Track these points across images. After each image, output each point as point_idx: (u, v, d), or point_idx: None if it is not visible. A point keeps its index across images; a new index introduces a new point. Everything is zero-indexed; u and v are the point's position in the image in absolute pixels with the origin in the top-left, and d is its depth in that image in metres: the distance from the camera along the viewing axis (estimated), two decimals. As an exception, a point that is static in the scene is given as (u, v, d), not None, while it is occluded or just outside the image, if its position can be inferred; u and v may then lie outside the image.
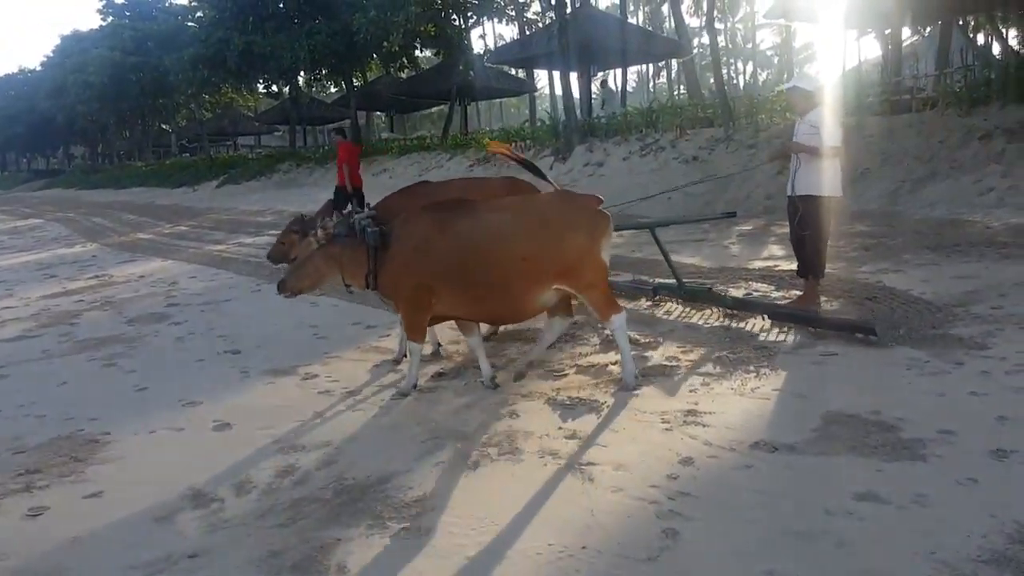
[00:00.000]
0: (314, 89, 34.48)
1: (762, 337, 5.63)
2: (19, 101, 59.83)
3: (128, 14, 45.46)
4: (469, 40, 27.07)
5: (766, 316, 5.92)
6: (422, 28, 23.66)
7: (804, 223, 6.00)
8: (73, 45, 48.93)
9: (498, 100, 40.26)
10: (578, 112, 19.42)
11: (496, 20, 23.93)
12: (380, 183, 22.51)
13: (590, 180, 16.98)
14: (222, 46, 26.23)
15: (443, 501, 3.55)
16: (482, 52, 30.53)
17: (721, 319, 6.24)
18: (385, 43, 23.26)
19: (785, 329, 5.76)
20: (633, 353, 5.07)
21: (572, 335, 6.12)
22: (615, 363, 5.24)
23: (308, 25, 25.18)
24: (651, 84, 57.18)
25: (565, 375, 5.22)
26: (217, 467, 4.21)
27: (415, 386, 5.11)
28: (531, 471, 3.79)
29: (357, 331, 6.97)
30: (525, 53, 22.11)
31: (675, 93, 39.02)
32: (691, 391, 4.66)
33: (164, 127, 52.23)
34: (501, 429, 4.35)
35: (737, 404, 4.40)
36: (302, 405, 5.13)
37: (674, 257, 8.67)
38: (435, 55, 28.85)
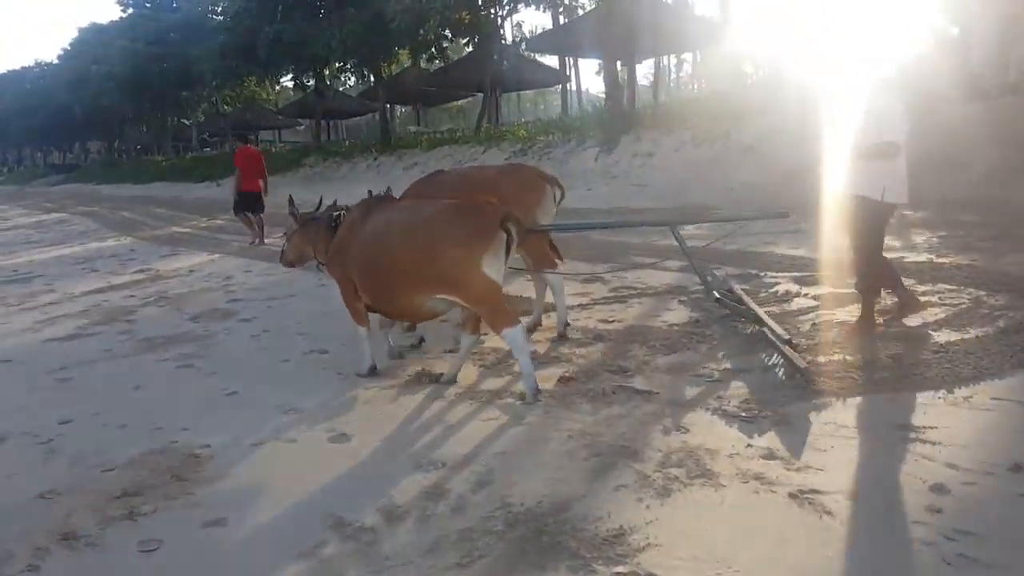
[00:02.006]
0: (340, 79, 33.82)
1: (941, 337, 4.98)
2: (36, 95, 59.42)
3: (148, 5, 44.90)
4: (503, 28, 26.36)
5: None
6: (457, 16, 22.96)
7: (856, 230, 5.24)
8: (92, 37, 48.36)
9: (515, 93, 39.64)
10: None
11: (532, 6, 23.07)
12: (411, 176, 21.93)
13: (640, 172, 16.34)
14: (251, 35, 25.62)
15: (651, 537, 2.94)
16: (516, 40, 29.83)
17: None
18: (420, 32, 22.56)
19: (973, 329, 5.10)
20: (809, 358, 4.44)
21: (703, 334, 5.50)
22: (778, 365, 4.62)
23: (339, 13, 24.53)
24: (670, 77, 56.39)
25: (718, 380, 4.60)
26: (350, 487, 3.64)
27: (374, 368, 5.27)
28: (742, 500, 3.18)
29: (453, 329, 6.36)
30: (565, 41, 21.44)
31: (694, 86, 38.35)
32: (890, 401, 4.02)
33: (184, 121, 51.72)
34: (675, 445, 3.74)
35: (956, 416, 3.78)
36: (421, 412, 4.57)
37: (772, 249, 8.07)
38: (465, 44, 28.14)
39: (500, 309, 4.51)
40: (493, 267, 4.39)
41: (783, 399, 4.18)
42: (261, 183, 13.80)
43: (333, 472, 3.84)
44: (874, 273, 5.22)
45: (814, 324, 5.52)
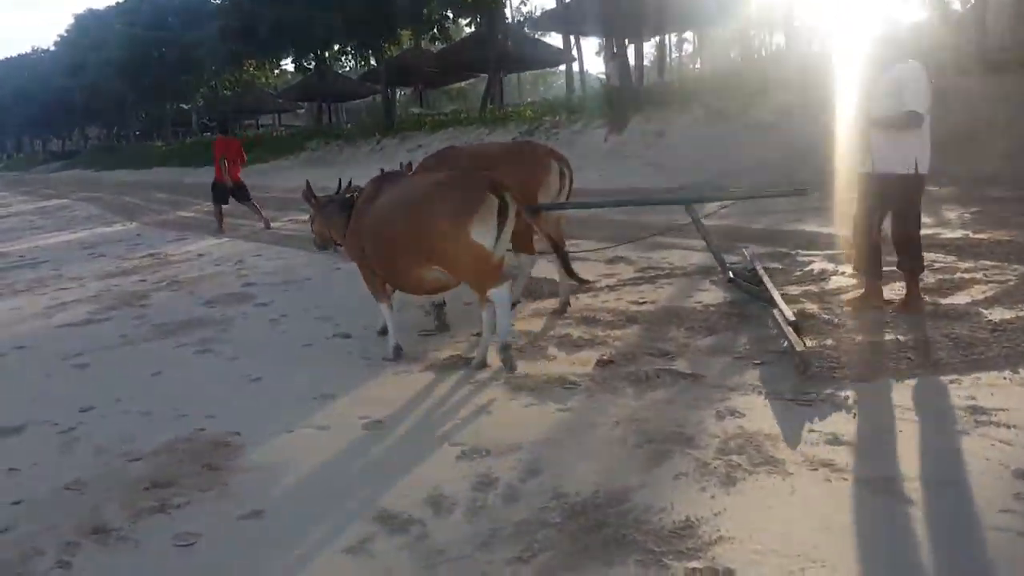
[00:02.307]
0: (341, 61, 33.49)
1: (994, 315, 4.80)
2: (34, 82, 59.02)
3: (146, -11, 44.45)
4: (507, 7, 25.93)
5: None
6: (461, -6, 22.64)
7: (889, 211, 5.01)
8: (90, 22, 48.01)
9: (516, 75, 39.18)
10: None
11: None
12: (416, 159, 21.69)
13: (653, 152, 16.15)
14: (252, 18, 25.29)
15: (722, 529, 2.77)
16: (520, 19, 29.43)
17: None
18: (423, 11, 22.23)
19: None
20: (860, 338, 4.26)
21: (741, 315, 5.32)
22: (820, 344, 4.45)
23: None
24: (671, 57, 55.87)
25: (766, 362, 4.43)
26: (391, 476, 3.47)
27: (395, 350, 5.18)
28: (814, 489, 3.01)
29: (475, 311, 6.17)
30: (570, 19, 21.13)
31: (692, 66, 37.96)
32: (954, 383, 3.84)
33: (183, 106, 51.33)
34: (731, 431, 3.56)
35: (1026, 398, 3.59)
36: (456, 397, 4.39)
37: (801, 227, 7.87)
38: (467, 24, 27.79)
39: (487, 274, 4.48)
40: (483, 235, 4.38)
41: (838, 382, 3.99)
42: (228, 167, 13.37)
43: (371, 460, 3.68)
44: (913, 248, 5.01)
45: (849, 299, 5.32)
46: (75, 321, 7.19)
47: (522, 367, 4.70)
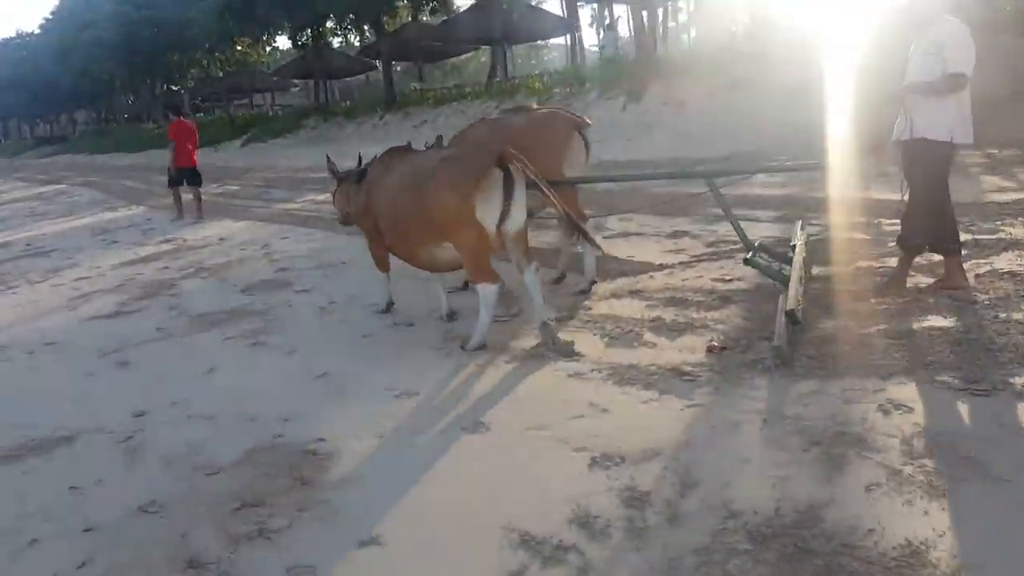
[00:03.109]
0: (339, 35, 32.70)
1: None
2: (20, 66, 57.83)
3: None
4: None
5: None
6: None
7: (918, 177, 4.55)
8: (76, 4, 46.90)
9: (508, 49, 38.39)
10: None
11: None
12: (422, 135, 21.11)
13: (673, 120, 15.58)
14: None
15: (959, 556, 2.32)
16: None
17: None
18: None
19: None
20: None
21: (858, 292, 4.86)
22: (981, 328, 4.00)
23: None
24: (660, 28, 55.07)
25: (912, 344, 3.96)
26: (520, 492, 3.02)
27: (388, 305, 5.61)
28: (1046, 499, 2.55)
29: (561, 295, 5.70)
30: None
31: (686, 36, 37.26)
32: None
33: (174, 88, 50.31)
34: (907, 429, 3.12)
35: None
36: (559, 392, 3.93)
37: (869, 195, 7.38)
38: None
39: (484, 261, 4.45)
40: (486, 212, 4.33)
41: (1005, 367, 3.54)
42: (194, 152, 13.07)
43: (486, 471, 3.22)
44: (940, 225, 4.55)
45: (978, 275, 4.86)
46: (103, 313, 6.71)
47: (623, 356, 4.27)
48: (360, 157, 5.83)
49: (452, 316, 5.33)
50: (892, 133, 4.70)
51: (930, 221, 4.55)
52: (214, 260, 8.68)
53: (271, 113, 37.81)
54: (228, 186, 17.92)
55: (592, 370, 4.12)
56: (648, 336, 4.56)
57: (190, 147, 13.01)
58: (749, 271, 5.51)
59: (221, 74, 43.66)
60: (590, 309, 5.20)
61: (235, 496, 3.22)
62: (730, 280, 5.47)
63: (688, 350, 4.27)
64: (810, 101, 12.67)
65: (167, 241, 10.54)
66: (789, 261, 4.93)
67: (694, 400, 3.61)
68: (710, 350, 4.20)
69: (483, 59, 47.90)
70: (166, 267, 8.59)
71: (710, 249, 6.47)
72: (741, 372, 3.87)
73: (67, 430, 4.13)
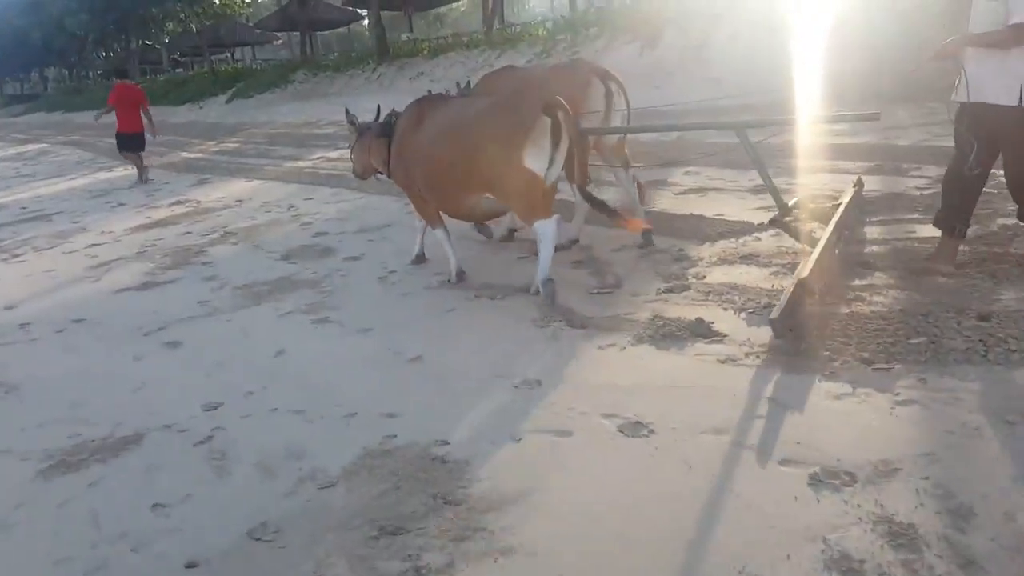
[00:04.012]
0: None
1: None
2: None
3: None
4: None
5: None
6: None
7: (1006, 148, 3.93)
8: (47, -46, 44.96)
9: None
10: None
11: None
12: (419, 88, 20.29)
13: (694, 66, 14.89)
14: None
15: None
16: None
17: None
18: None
19: None
20: None
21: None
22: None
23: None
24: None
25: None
26: (732, 520, 2.46)
27: (458, 275, 5.08)
28: None
29: (661, 262, 5.14)
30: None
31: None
32: None
33: (148, 43, 48.63)
34: None
35: None
36: (716, 382, 3.37)
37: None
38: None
39: (537, 202, 4.33)
40: (536, 159, 4.23)
41: None
42: (145, 121, 12.40)
43: (678, 491, 2.66)
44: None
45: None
46: (133, 284, 6.08)
47: (764, 334, 3.68)
48: (379, 109, 5.60)
49: (421, 259, 5.58)
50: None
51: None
52: (239, 223, 8.02)
53: (254, 67, 36.56)
54: (226, 144, 17.12)
55: (746, 354, 3.56)
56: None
57: (132, 112, 12.19)
58: (877, 232, 4.98)
59: (196, 28, 42.14)
60: (703, 278, 4.63)
61: (365, 518, 2.65)
62: (860, 242, 4.90)
63: (859, 332, 3.70)
64: (852, 44, 12.09)
65: (179, 203, 9.84)
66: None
67: (899, 394, 3.06)
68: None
69: (462, 9, 46.74)
70: (187, 231, 7.93)
71: (811, 206, 5.87)
72: (945, 357, 3.31)
73: (129, 428, 3.55)
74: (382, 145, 5.29)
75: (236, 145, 16.42)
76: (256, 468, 3.08)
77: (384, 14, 39.75)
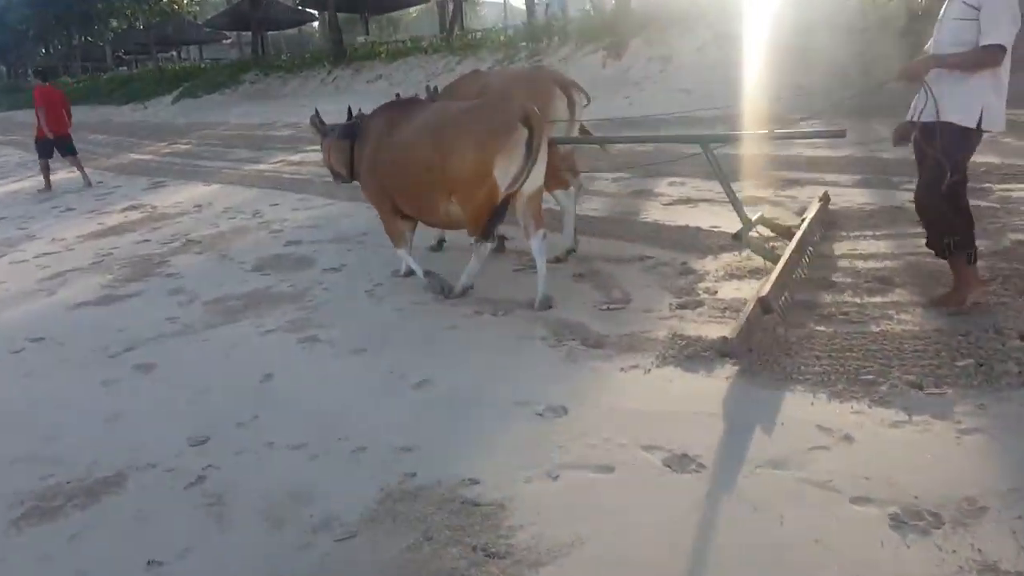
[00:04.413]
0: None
1: None
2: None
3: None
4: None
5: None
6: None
7: (939, 167, 3.59)
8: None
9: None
10: None
11: None
12: (378, 90, 19.87)
13: (661, 77, 14.76)
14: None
15: None
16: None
17: None
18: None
19: None
20: None
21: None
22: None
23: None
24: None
25: None
26: (814, 569, 2.17)
27: (442, 287, 4.76)
28: None
29: (668, 276, 4.89)
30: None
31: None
32: None
33: (91, 40, 47.14)
34: None
35: None
36: (761, 411, 3.10)
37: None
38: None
39: (483, 218, 4.27)
40: (505, 169, 4.14)
41: None
42: (68, 121, 11.84)
43: (744, 539, 2.39)
44: (967, 227, 3.73)
45: None
46: (92, 299, 5.64)
47: (807, 357, 3.43)
48: (350, 110, 5.33)
49: (408, 274, 5.15)
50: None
51: (947, 217, 3.72)
52: (201, 230, 7.57)
53: (202, 66, 35.60)
54: (178, 145, 16.48)
55: (781, 377, 3.31)
56: (821, 329, 3.76)
57: (56, 115, 11.58)
58: (894, 246, 4.80)
59: (141, 25, 40.93)
60: (715, 293, 4.39)
61: (399, 577, 2.32)
62: (872, 256, 4.70)
63: (915, 354, 3.47)
64: (816, 59, 12.07)
65: (133, 208, 9.33)
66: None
67: (961, 423, 2.83)
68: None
69: (413, 14, 46.31)
70: (145, 239, 7.46)
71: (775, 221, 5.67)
72: (998, 381, 3.10)
73: (108, 467, 3.18)
74: (344, 147, 5.09)
75: (189, 147, 15.81)
76: (260, 516, 2.74)
77: (344, 16, 39.28)
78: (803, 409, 3.04)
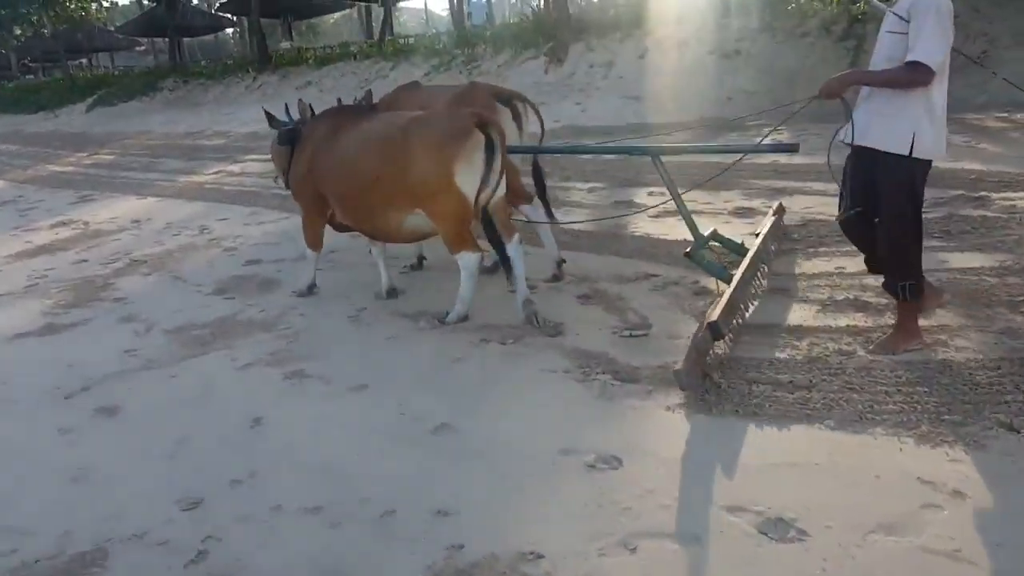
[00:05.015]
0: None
1: None
2: None
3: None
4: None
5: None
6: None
7: (880, 201, 3.36)
8: None
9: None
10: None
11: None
12: (308, 97, 19.16)
13: (605, 84, 14.57)
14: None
15: None
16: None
17: None
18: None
19: None
20: None
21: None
22: None
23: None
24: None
25: None
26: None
27: (310, 287, 5.07)
28: None
29: (664, 292, 4.57)
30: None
31: None
32: None
33: (-7, 47, 44.74)
34: None
35: None
36: (832, 454, 2.76)
37: (962, 165, 6.54)
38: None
39: (464, 230, 4.14)
40: (467, 178, 4.00)
41: None
42: None
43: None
44: (912, 264, 3.43)
45: None
46: (32, 328, 5.03)
47: (865, 392, 3.13)
48: (311, 107, 5.15)
49: (392, 293, 4.91)
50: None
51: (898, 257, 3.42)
52: (145, 249, 6.96)
53: (114, 74, 34.11)
54: (100, 155, 15.54)
55: (854, 420, 2.99)
56: (862, 355, 3.46)
57: None
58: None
59: (47, 32, 38.97)
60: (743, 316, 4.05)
61: None
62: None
63: (903, 386, 3.21)
64: (760, 64, 12.03)
65: (62, 224, 8.60)
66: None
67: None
68: None
69: (331, 20, 45.50)
70: (82, 259, 6.82)
71: (805, 230, 5.44)
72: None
73: (83, 539, 2.68)
74: (284, 152, 4.99)
75: (113, 157, 14.90)
76: (280, 602, 2.27)
77: (266, 21, 38.22)
78: (887, 456, 2.73)
